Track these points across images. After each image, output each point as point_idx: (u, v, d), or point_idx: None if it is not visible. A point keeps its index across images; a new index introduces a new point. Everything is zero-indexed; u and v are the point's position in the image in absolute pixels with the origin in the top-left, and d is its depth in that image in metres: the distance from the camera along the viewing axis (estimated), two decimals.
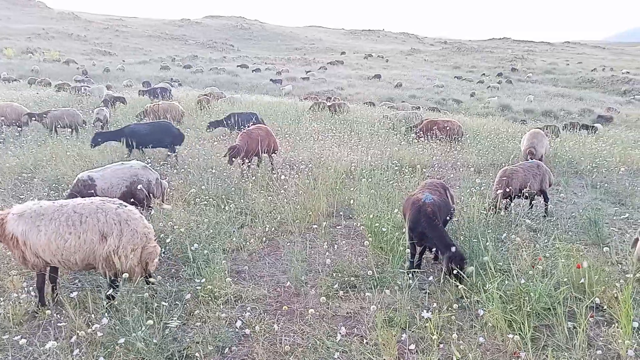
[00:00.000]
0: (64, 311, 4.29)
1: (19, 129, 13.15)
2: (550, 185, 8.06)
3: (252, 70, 53.84)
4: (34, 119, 13.07)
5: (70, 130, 13.08)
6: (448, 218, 5.82)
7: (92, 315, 4.14)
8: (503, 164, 9.37)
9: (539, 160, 11.11)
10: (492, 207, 6.88)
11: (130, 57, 64.82)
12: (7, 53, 53.15)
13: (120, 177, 6.44)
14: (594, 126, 17.26)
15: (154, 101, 17.83)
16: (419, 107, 25.81)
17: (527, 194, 7.40)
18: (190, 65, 57.27)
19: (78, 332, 3.85)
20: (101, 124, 13.64)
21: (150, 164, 9.07)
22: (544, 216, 7.67)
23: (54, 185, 8.16)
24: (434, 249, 5.55)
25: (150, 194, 6.61)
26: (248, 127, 12.91)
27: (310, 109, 18.69)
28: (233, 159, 8.93)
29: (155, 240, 4.68)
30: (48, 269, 4.54)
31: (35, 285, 4.59)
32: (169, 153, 10.52)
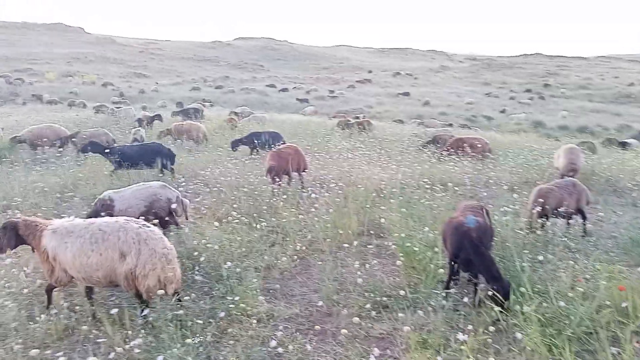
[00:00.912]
0: (102, 327, 4.39)
1: (59, 149, 13.68)
2: (588, 204, 7.82)
3: (279, 90, 54.60)
4: (63, 140, 13.48)
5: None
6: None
7: (130, 332, 4.23)
8: (537, 182, 9.16)
9: (574, 175, 10.83)
10: (527, 227, 6.71)
11: (165, 78, 66.91)
12: (49, 77, 55.76)
13: (138, 198, 6.55)
14: (626, 142, 16.66)
15: (185, 120, 18.31)
16: (451, 124, 25.61)
17: (563, 213, 7.20)
18: (221, 85, 58.66)
19: (116, 348, 3.93)
20: (137, 143, 14.06)
21: (184, 182, 9.30)
22: (583, 236, 7.43)
23: (92, 203, 8.41)
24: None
25: (172, 213, 6.71)
26: (276, 145, 13.11)
27: (337, 125, 18.82)
28: (275, 177, 9.11)
29: (176, 261, 4.69)
30: (84, 285, 4.69)
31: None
32: (162, 171, 10.69)
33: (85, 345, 4.32)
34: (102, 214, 6.03)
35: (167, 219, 6.70)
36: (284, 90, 54.62)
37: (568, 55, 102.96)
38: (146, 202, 6.55)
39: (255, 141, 13.41)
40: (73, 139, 13.41)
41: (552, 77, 70.76)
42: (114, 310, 4.30)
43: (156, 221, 6.35)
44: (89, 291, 4.84)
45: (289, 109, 37.70)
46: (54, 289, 4.86)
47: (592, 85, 62.53)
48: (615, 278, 5.14)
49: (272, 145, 13.13)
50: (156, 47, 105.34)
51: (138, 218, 5.53)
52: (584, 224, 7.69)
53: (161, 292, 4.36)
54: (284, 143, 13.67)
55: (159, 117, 19.43)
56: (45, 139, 13.53)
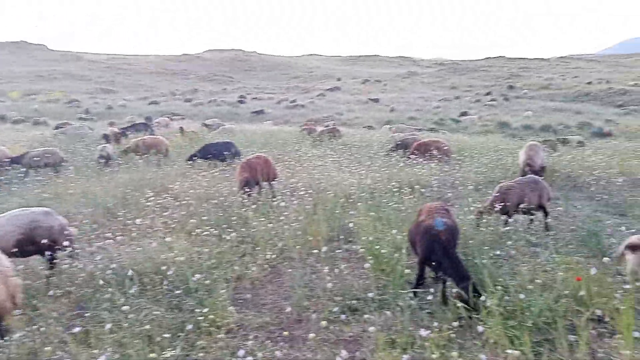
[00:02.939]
0: (67, 347, 4.33)
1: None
2: (549, 200, 8.09)
3: (237, 101, 53.90)
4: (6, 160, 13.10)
5: (49, 169, 13.11)
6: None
7: (96, 351, 4.18)
8: (502, 180, 9.43)
9: (541, 172, 11.21)
10: (479, 214, 6.99)
11: (133, 94, 65.89)
12: (12, 95, 54.23)
13: (14, 224, 5.90)
14: (566, 138, 17.35)
15: (137, 136, 18.15)
16: (420, 129, 26.05)
17: (525, 209, 7.44)
18: (191, 98, 58.16)
19: None
20: (104, 160, 13.84)
21: (152, 197, 9.19)
22: (545, 231, 7.69)
23: None
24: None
25: (53, 242, 6.01)
26: (231, 155, 13.15)
27: (301, 131, 19.25)
28: (247, 189, 9.12)
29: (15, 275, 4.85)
30: None
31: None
32: None
33: None
34: None
35: (48, 247, 5.98)
36: (241, 101, 53.93)
37: (530, 57, 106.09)
38: (22, 230, 5.86)
39: (211, 153, 13.35)
40: (23, 159, 13.10)
41: (516, 78, 72.76)
42: (76, 329, 4.25)
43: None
44: None
45: (245, 120, 37.73)
46: None
47: (553, 85, 64.50)
48: (573, 269, 5.34)
49: (226, 155, 13.19)
50: (123, 62, 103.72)
51: (13, 246, 5.52)
52: (546, 220, 7.96)
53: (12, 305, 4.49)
54: (238, 152, 13.72)
55: (124, 134, 19.21)
56: None
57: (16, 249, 5.75)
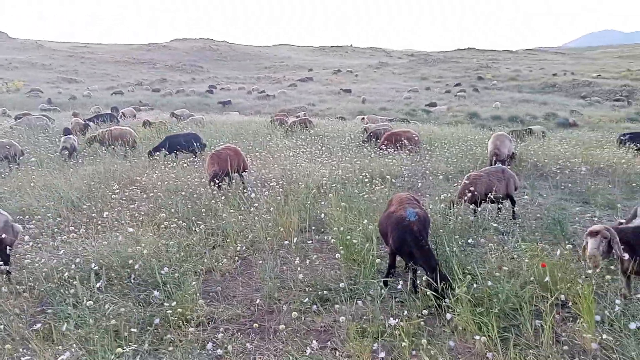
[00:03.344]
0: (30, 345, 4.18)
1: None
2: (516, 189, 8.26)
3: (206, 90, 53.22)
4: None
5: (7, 161, 12.60)
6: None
7: (59, 347, 4.05)
8: (471, 170, 9.59)
9: (508, 160, 11.46)
10: (450, 203, 7.11)
11: (97, 83, 64.00)
12: None
13: None
14: (530, 129, 17.83)
15: (102, 126, 17.69)
16: (392, 119, 26.21)
17: (493, 199, 7.58)
18: (159, 88, 56.91)
19: None
20: (67, 152, 13.39)
21: (118, 190, 8.96)
22: (513, 219, 7.86)
23: (18, 217, 7.96)
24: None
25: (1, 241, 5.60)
26: (196, 147, 12.90)
27: (271, 122, 19.15)
28: (217, 180, 8.96)
29: None
30: None
31: None
32: None
33: None
34: None
35: None
36: (210, 91, 53.17)
37: (498, 49, 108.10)
38: None
39: (173, 145, 13.00)
40: None
41: (485, 70, 74.01)
42: (38, 326, 4.10)
43: None
44: None
45: (215, 110, 37.16)
46: None
47: (520, 76, 65.91)
48: (538, 256, 5.47)
49: (191, 147, 12.94)
50: (87, 51, 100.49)
51: None
52: (513, 208, 8.13)
53: None
54: (203, 144, 13.48)
55: (88, 125, 18.62)
56: None
57: None
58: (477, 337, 3.98)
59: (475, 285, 4.81)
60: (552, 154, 12.95)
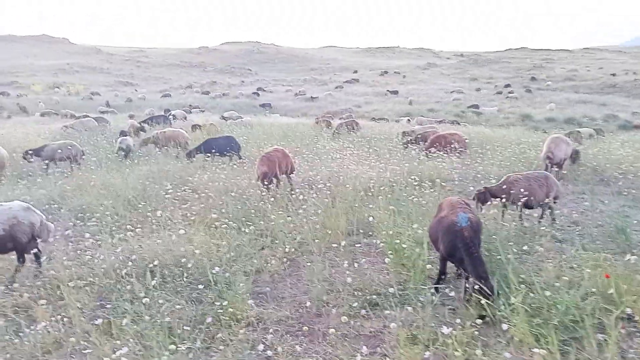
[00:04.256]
0: (90, 338, 4.36)
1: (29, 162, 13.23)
2: (557, 199, 7.80)
3: (252, 93, 54.25)
4: (30, 152, 13.18)
5: (69, 162, 13.19)
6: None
7: (118, 342, 4.20)
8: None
9: (561, 165, 10.94)
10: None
11: (152, 86, 66.59)
12: (35, 89, 55.29)
13: None
14: (578, 131, 16.92)
15: (157, 128, 18.33)
16: (441, 121, 25.72)
17: (528, 204, 7.22)
18: (208, 91, 58.49)
19: (104, 358, 3.91)
20: (124, 153, 13.98)
21: (171, 189, 9.23)
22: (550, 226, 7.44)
23: (79, 214, 8.37)
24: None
25: (36, 237, 6.02)
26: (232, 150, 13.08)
27: (316, 123, 19.15)
28: (266, 182, 9.10)
29: None
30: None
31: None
32: None
33: (73, 357, 4.29)
34: None
35: (28, 244, 5.97)
36: (257, 94, 54.13)
37: (553, 49, 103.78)
38: (4, 225, 5.74)
39: (213, 148, 13.22)
40: (41, 152, 13.17)
41: (538, 70, 71.32)
42: (99, 321, 4.28)
43: None
44: None
45: (261, 112, 37.63)
46: None
47: (577, 76, 63.11)
48: (600, 266, 5.19)
49: (229, 150, 13.14)
50: (142, 55, 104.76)
51: None
52: (552, 215, 7.70)
53: None
54: (238, 146, 13.63)
55: (143, 128, 19.46)
56: None
57: None
58: (536, 350, 3.80)
59: (532, 295, 4.61)
60: (614, 157, 12.29)
